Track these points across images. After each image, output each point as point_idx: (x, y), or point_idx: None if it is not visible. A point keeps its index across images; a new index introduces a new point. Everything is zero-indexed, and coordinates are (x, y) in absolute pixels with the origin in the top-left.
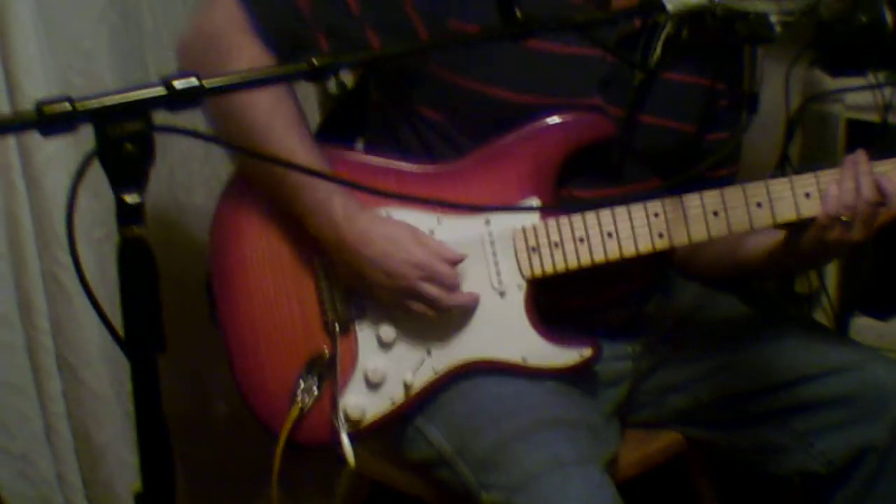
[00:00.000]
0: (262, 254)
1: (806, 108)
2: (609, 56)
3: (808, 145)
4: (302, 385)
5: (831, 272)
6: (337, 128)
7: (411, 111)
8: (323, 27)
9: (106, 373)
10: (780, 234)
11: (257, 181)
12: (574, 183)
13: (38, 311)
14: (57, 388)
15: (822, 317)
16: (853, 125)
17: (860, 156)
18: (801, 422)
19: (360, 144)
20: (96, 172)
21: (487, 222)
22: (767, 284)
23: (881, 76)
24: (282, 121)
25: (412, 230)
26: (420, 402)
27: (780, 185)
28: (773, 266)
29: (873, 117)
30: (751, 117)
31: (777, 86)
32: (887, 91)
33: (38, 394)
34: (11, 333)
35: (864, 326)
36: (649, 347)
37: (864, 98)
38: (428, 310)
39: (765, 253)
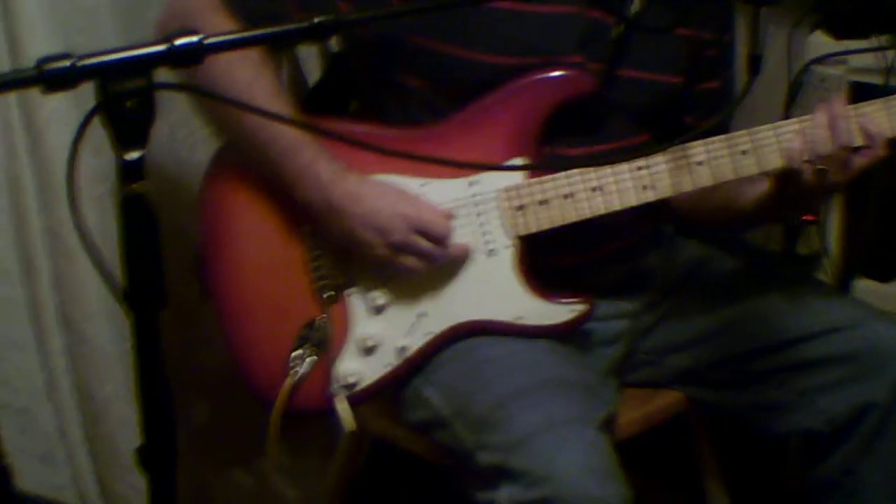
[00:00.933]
0: (251, 226)
1: (808, 71)
2: (587, 12)
3: (811, 108)
4: (296, 354)
5: (834, 234)
6: (325, 97)
7: (392, 80)
8: (297, 1)
9: (107, 329)
10: (770, 182)
11: (243, 153)
12: (559, 141)
13: (39, 268)
14: (58, 344)
15: (823, 278)
16: (856, 87)
17: (834, 100)
18: (802, 380)
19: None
20: (97, 130)
21: (472, 184)
22: (770, 245)
23: (884, 39)
24: (261, 92)
25: (399, 189)
26: (415, 366)
27: (764, 133)
28: (763, 215)
29: (876, 80)
30: (753, 79)
31: (780, 48)
32: (890, 54)
33: (39, 350)
34: (13, 289)
35: (865, 289)
36: (648, 306)
37: (867, 60)
38: (420, 263)
39: (755, 202)
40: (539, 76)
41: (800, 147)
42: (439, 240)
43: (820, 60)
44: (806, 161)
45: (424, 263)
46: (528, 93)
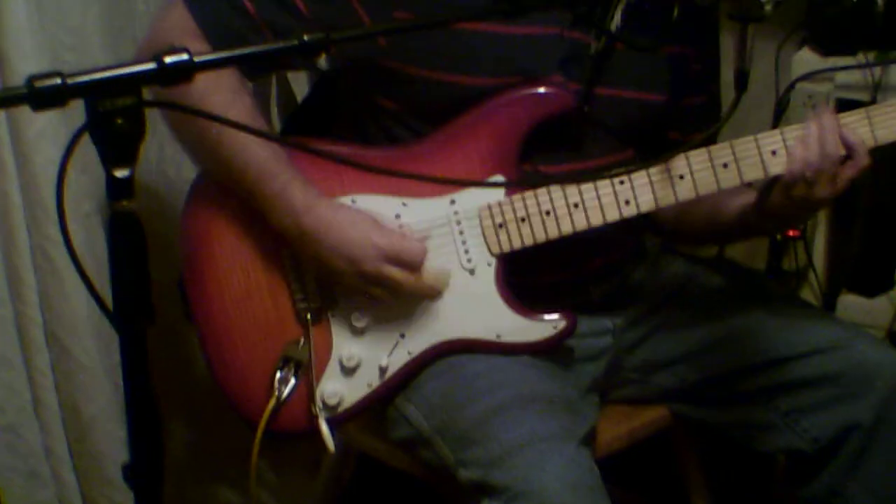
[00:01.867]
0: (232, 249)
1: (795, 88)
2: (566, 32)
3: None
4: (278, 376)
5: (819, 249)
6: (310, 116)
7: (372, 102)
8: (271, 30)
9: (94, 346)
10: (753, 195)
11: (220, 179)
12: (541, 158)
13: (26, 285)
14: (45, 361)
15: (809, 294)
16: (843, 104)
17: (823, 111)
18: (787, 400)
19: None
20: (85, 147)
21: (452, 202)
22: (755, 261)
23: (871, 56)
24: (237, 118)
25: (373, 218)
26: (398, 385)
27: (745, 145)
28: (749, 228)
29: (863, 96)
30: (740, 96)
31: (767, 65)
32: (877, 71)
33: (26, 367)
34: (0, 307)
35: (851, 304)
36: (632, 322)
37: (854, 77)
38: (389, 296)
39: (739, 214)
40: (517, 93)
41: (802, 154)
42: (411, 266)
43: (807, 77)
44: (797, 172)
45: (395, 294)
46: (507, 110)
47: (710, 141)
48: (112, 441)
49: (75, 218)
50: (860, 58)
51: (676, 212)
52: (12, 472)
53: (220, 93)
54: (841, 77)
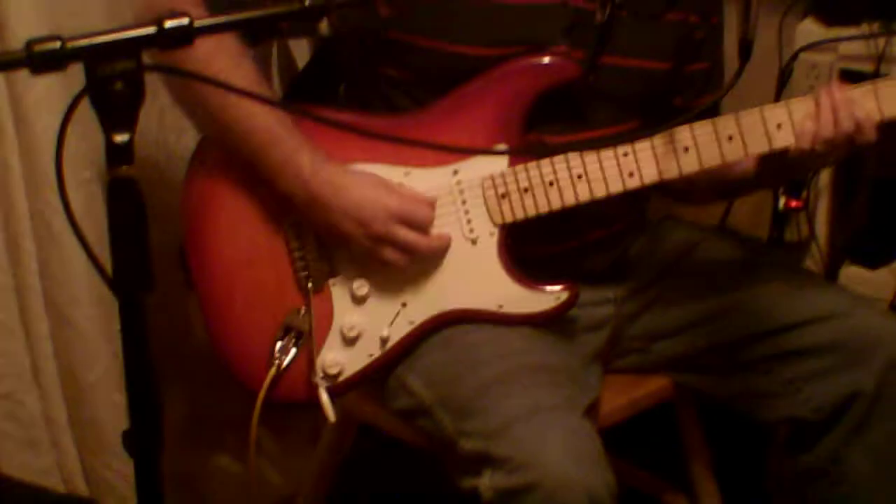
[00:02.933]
0: (233, 216)
1: (799, 58)
2: (571, 1)
3: (801, 95)
4: (279, 345)
5: (822, 221)
6: (312, 83)
7: (375, 71)
8: None
9: (94, 313)
10: (757, 159)
11: (223, 145)
12: (545, 128)
13: (26, 252)
14: (44, 329)
15: (811, 265)
16: (846, 75)
17: (835, 85)
18: (788, 368)
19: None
20: (85, 113)
21: (455, 172)
22: (757, 232)
23: (875, 26)
24: (240, 83)
25: (380, 179)
26: (398, 355)
27: (750, 118)
28: (753, 185)
29: (866, 67)
30: (744, 65)
31: (771, 34)
32: (881, 41)
33: (25, 334)
34: (0, 274)
35: (853, 275)
36: (634, 292)
37: (858, 48)
38: (402, 256)
39: (745, 175)
40: (521, 63)
41: (812, 129)
42: (421, 228)
43: (810, 47)
44: (808, 149)
45: (406, 255)
46: (511, 79)
47: (713, 110)
48: (111, 408)
49: (75, 185)
50: (864, 28)
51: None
52: (11, 440)
53: (223, 58)
54: (845, 47)
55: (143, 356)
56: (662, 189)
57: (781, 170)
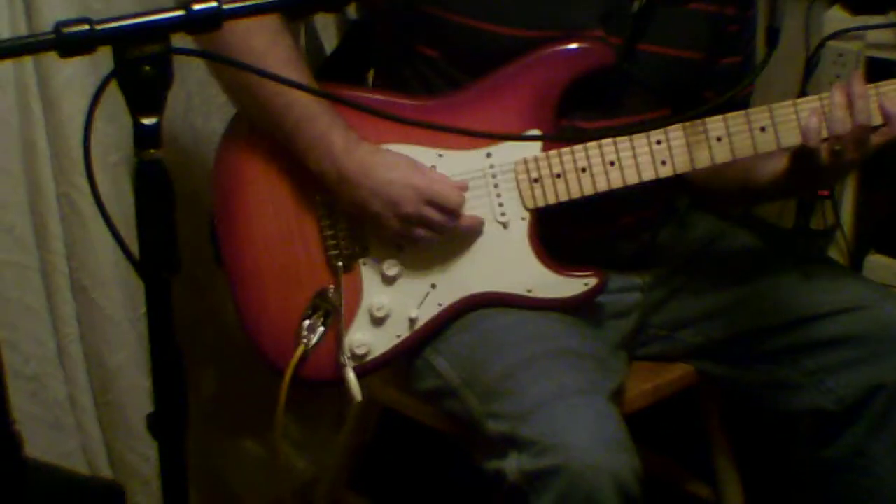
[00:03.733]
0: (265, 194)
1: (825, 46)
2: None
3: (827, 82)
4: (307, 323)
5: (847, 209)
6: (343, 65)
7: (410, 50)
8: None
9: (119, 296)
10: (787, 159)
11: (258, 122)
12: (578, 114)
13: (52, 234)
14: (70, 311)
15: (836, 253)
16: (873, 63)
17: (854, 78)
18: (812, 360)
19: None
20: (112, 97)
21: (489, 155)
22: (783, 220)
23: None
24: (278, 60)
25: (412, 160)
26: (426, 337)
27: (784, 109)
28: (779, 190)
29: (893, 55)
30: (770, 53)
31: (798, 22)
32: None
33: (51, 316)
34: (26, 256)
35: (878, 264)
36: (660, 280)
37: (885, 36)
38: (433, 234)
39: (773, 177)
40: (557, 48)
41: (817, 126)
42: (451, 211)
43: (837, 36)
44: (823, 140)
45: (435, 235)
46: (546, 64)
47: (742, 102)
48: (137, 392)
49: (102, 167)
50: (891, 16)
51: (708, 174)
52: (37, 422)
53: (262, 34)
54: (871, 35)
55: (169, 339)
56: (689, 190)
57: (810, 174)
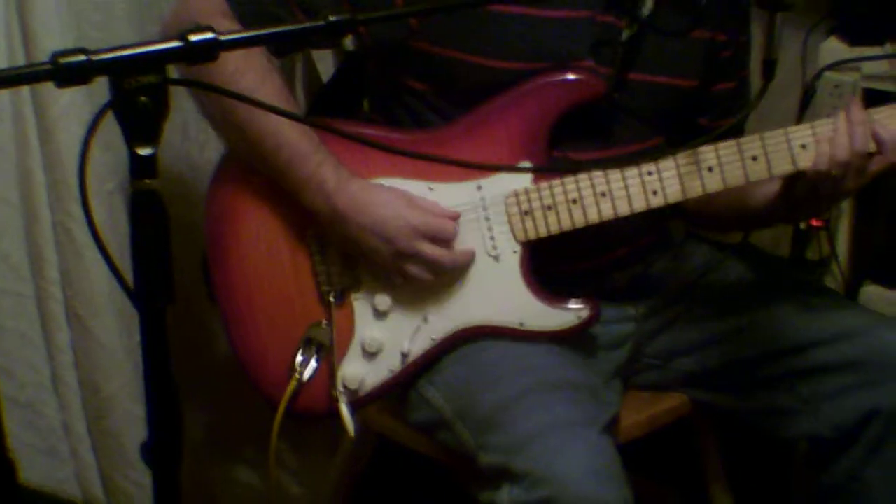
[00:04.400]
0: (257, 229)
1: (822, 77)
2: (598, 16)
3: (824, 113)
4: (300, 357)
5: (843, 240)
6: (337, 97)
7: (400, 83)
8: (301, 8)
9: (114, 324)
10: (779, 184)
11: (249, 159)
12: (569, 145)
13: (48, 262)
14: (65, 339)
15: (832, 284)
16: (869, 94)
17: (854, 105)
18: (808, 386)
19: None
20: (109, 125)
21: (479, 188)
22: (779, 250)
23: None
24: (267, 98)
25: (404, 193)
26: (419, 370)
27: (775, 139)
28: (775, 215)
29: (890, 87)
30: (767, 85)
31: (794, 53)
32: None
33: (46, 344)
34: (22, 284)
35: (873, 294)
36: (655, 309)
37: (882, 67)
38: (427, 272)
39: (766, 202)
40: (548, 79)
41: (827, 150)
42: (445, 242)
43: (834, 67)
44: (824, 170)
45: (428, 273)
46: (537, 96)
47: (737, 128)
48: (131, 420)
49: (98, 195)
50: (888, 48)
51: (701, 199)
52: (31, 449)
53: (251, 73)
54: (868, 67)
55: (164, 368)
56: (683, 215)
57: (804, 200)
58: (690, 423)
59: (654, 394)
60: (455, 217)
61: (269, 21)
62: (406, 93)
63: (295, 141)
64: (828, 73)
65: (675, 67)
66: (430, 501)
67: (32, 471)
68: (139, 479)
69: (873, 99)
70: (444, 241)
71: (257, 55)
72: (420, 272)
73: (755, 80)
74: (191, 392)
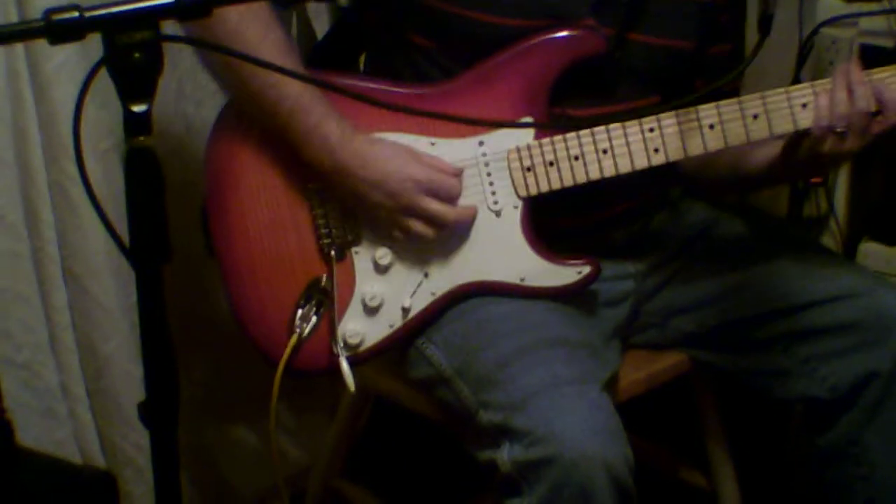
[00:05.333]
0: (256, 183)
1: (819, 33)
2: None
3: (821, 70)
4: (300, 313)
5: (841, 197)
6: (333, 51)
7: (401, 37)
8: None
9: (111, 284)
10: (779, 146)
11: (251, 112)
12: (569, 102)
13: (44, 222)
14: (62, 299)
15: (830, 241)
16: (866, 50)
17: (853, 64)
18: (805, 347)
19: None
20: (104, 83)
21: (481, 143)
22: (776, 208)
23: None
24: (271, 50)
25: (408, 148)
26: (419, 326)
27: (776, 97)
28: (774, 177)
29: (886, 42)
30: (763, 40)
31: (791, 9)
32: None
33: (43, 304)
34: (18, 243)
35: (871, 251)
36: (654, 267)
37: (878, 23)
38: (429, 228)
39: (765, 164)
40: (549, 36)
41: (826, 104)
42: (449, 199)
43: (831, 22)
44: (825, 125)
45: (433, 227)
46: (538, 52)
47: (732, 89)
48: (129, 380)
49: (93, 154)
50: (884, 3)
51: (700, 161)
52: (28, 410)
53: (253, 26)
54: (865, 23)
55: (160, 328)
56: (682, 179)
57: (805, 162)
58: (689, 382)
59: (652, 352)
60: (458, 174)
61: None
62: (407, 47)
63: (296, 94)
64: (825, 29)
65: (675, 28)
66: (428, 462)
67: (30, 432)
68: (137, 440)
69: (870, 54)
70: (448, 196)
71: (260, 7)
72: (423, 228)
73: (752, 35)
74: (188, 350)
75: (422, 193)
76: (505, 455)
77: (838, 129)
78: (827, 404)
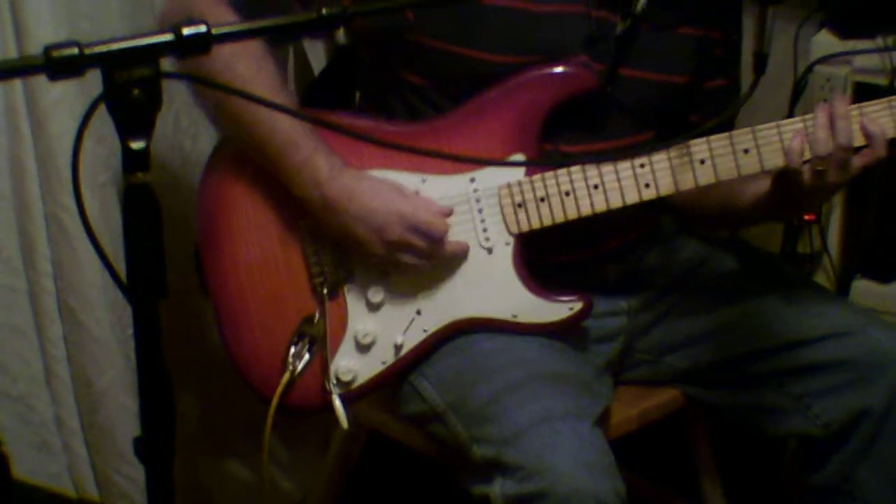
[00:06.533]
0: (249, 221)
1: (813, 71)
2: (593, 12)
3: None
4: (293, 350)
5: (834, 233)
6: (329, 89)
7: (395, 76)
8: None
9: (107, 317)
10: (769, 181)
11: (242, 147)
12: (561, 138)
13: (40, 255)
14: (58, 332)
15: (823, 278)
16: (860, 88)
17: (837, 100)
18: (799, 384)
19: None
20: (101, 117)
21: (472, 180)
22: (770, 244)
23: (890, 40)
24: (263, 86)
25: (396, 186)
26: (412, 362)
27: (767, 131)
28: (764, 212)
29: (881, 80)
30: (758, 78)
31: (786, 46)
32: (895, 55)
33: (38, 337)
34: (14, 277)
35: (865, 289)
36: (646, 303)
37: (873, 61)
38: (418, 260)
39: (756, 199)
40: (540, 72)
41: (799, 147)
42: (436, 239)
43: (825, 60)
44: (805, 161)
45: (421, 260)
46: (529, 88)
47: (727, 125)
48: (123, 414)
49: (90, 188)
50: (879, 42)
51: (691, 196)
52: (23, 443)
53: (245, 61)
54: (859, 60)
55: (156, 362)
56: (673, 213)
57: (792, 197)
58: (682, 419)
59: (645, 388)
60: (447, 214)
61: (264, 12)
62: (400, 85)
63: (287, 129)
64: (819, 67)
65: (667, 64)
66: (420, 497)
67: (24, 465)
68: (132, 474)
69: (864, 92)
70: (434, 236)
71: (252, 42)
72: (412, 259)
73: (747, 73)
74: (183, 386)
75: (407, 229)
76: (497, 490)
77: (817, 167)
78: (820, 441)
